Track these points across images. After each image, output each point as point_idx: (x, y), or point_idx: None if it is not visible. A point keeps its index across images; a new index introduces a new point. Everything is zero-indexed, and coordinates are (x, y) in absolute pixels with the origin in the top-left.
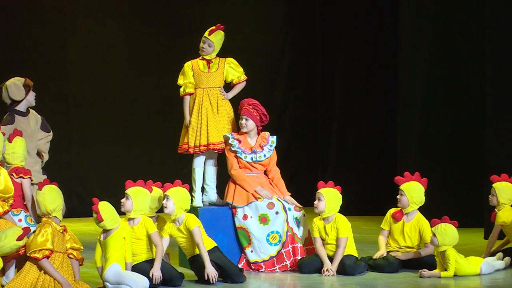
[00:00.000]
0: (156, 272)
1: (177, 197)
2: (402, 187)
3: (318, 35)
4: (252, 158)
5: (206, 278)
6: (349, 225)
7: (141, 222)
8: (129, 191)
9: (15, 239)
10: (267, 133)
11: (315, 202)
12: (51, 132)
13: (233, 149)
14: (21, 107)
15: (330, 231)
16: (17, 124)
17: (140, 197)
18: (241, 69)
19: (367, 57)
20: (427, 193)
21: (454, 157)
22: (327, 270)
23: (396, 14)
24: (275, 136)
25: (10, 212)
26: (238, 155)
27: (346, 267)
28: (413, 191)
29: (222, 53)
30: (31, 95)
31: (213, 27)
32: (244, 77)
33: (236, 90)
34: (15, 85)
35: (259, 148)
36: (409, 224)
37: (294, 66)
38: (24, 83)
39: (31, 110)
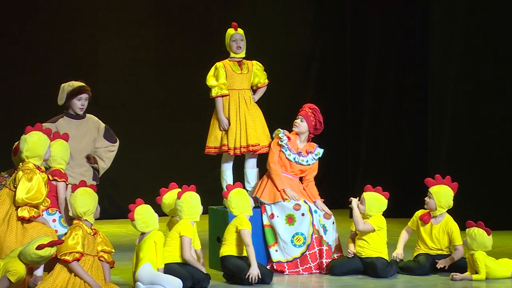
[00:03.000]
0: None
1: (237, 201)
2: (431, 190)
3: (349, 39)
4: (294, 158)
5: (247, 276)
6: (385, 224)
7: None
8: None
9: (35, 247)
10: (316, 144)
11: (358, 203)
12: (117, 143)
13: (280, 143)
14: (70, 111)
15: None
16: (59, 124)
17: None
18: (265, 73)
19: (398, 61)
20: (459, 195)
21: (485, 159)
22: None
23: (427, 19)
24: (322, 149)
25: (45, 212)
26: (283, 150)
27: (378, 270)
28: (441, 195)
29: (253, 56)
30: (74, 103)
31: (232, 26)
32: (267, 81)
33: (260, 93)
34: (62, 89)
35: (305, 153)
36: (437, 226)
37: (324, 70)
38: (71, 90)
39: (91, 117)
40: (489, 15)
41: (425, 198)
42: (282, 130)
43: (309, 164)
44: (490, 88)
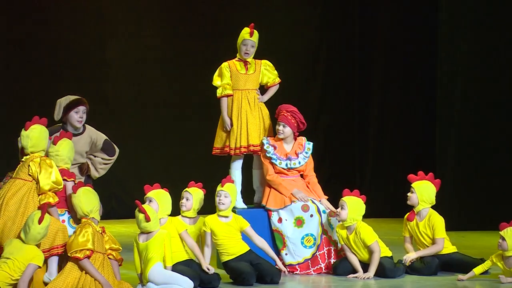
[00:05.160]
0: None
1: (233, 195)
2: (413, 185)
3: (356, 37)
4: (287, 165)
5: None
6: (371, 230)
7: (168, 221)
8: (152, 193)
9: (37, 223)
10: (304, 139)
11: (338, 210)
12: (115, 157)
13: (268, 155)
14: (68, 126)
15: (354, 243)
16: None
17: (164, 198)
18: (275, 72)
19: (405, 59)
20: (466, 197)
21: (493, 161)
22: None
23: (435, 14)
24: (311, 143)
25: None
26: (273, 161)
27: (387, 271)
28: (423, 189)
29: (258, 57)
30: (72, 116)
31: (248, 29)
32: (278, 79)
33: (271, 92)
34: (59, 105)
35: (294, 155)
36: (422, 222)
37: (331, 69)
38: (68, 103)
39: (89, 131)
40: (498, 14)
41: (408, 194)
42: (265, 141)
43: (302, 165)
44: (498, 88)
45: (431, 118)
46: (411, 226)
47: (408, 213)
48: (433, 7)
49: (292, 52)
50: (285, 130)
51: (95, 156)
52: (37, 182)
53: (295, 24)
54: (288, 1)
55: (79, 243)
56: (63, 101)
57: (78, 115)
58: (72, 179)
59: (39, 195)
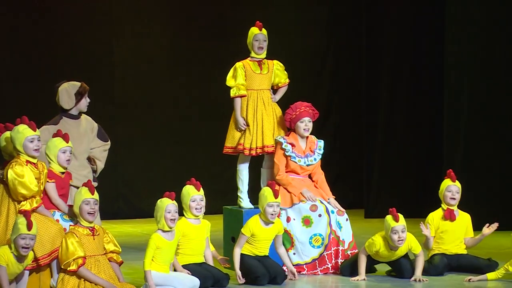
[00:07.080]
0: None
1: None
2: (457, 184)
3: (364, 37)
4: (305, 162)
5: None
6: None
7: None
8: None
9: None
10: (314, 137)
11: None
12: (109, 142)
13: (287, 154)
14: (72, 111)
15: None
16: (62, 125)
17: None
18: (286, 73)
19: (413, 59)
20: (473, 198)
21: (501, 162)
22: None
23: (442, 16)
24: (322, 141)
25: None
26: (293, 159)
27: (405, 272)
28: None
29: (267, 55)
30: (83, 102)
31: (256, 25)
32: (288, 80)
33: (281, 93)
34: (67, 93)
35: (311, 152)
36: (458, 221)
37: (338, 69)
38: (77, 90)
39: (85, 116)
40: (506, 14)
41: (456, 195)
42: (282, 140)
43: (317, 161)
44: (507, 87)
45: (439, 118)
46: (449, 225)
47: (445, 212)
48: (441, 4)
49: (299, 52)
50: (310, 125)
51: (92, 148)
52: (11, 189)
53: (303, 24)
54: (296, 1)
55: (69, 253)
56: (69, 88)
57: (87, 101)
58: (53, 180)
59: (18, 202)
